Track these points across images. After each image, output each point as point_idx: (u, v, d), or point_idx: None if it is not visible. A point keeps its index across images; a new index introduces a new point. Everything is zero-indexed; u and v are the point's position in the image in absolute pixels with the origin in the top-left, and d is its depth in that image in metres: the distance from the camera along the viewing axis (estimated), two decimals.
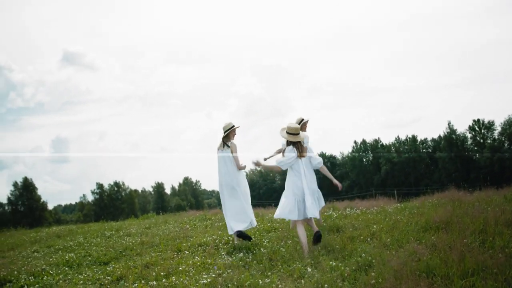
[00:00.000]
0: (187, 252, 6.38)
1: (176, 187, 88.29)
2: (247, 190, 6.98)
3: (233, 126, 6.92)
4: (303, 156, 5.92)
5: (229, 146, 6.84)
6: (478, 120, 72.75)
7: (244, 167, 6.82)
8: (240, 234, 6.51)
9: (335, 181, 6.62)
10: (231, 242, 6.62)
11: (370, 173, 79.13)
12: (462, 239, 4.57)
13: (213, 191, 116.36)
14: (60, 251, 8.42)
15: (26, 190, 60.58)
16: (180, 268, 5.30)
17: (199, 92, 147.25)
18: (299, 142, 5.87)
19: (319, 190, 6.47)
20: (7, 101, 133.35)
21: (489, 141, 71.54)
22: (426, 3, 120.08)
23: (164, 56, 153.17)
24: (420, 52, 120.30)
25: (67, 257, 7.31)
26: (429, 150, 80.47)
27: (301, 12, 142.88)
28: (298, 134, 5.82)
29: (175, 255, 6.30)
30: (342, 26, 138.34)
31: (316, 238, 5.57)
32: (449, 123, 74.80)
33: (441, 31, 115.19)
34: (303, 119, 7.23)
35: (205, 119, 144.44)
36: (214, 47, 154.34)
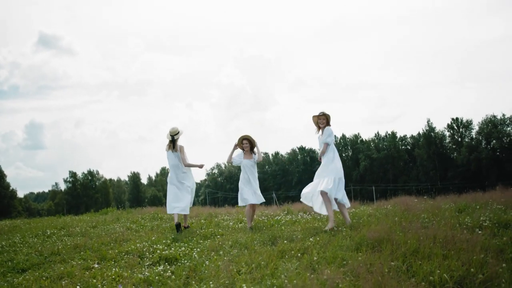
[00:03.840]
0: (109, 263, 5.89)
1: (153, 178, 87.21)
2: (191, 183, 8.58)
3: (178, 132, 8.41)
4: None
5: (177, 150, 8.40)
6: (457, 118, 73.46)
7: (189, 165, 8.46)
8: (177, 226, 7.95)
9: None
10: (158, 251, 6.15)
11: (349, 169, 79.38)
12: (390, 261, 4.18)
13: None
14: None
15: None
16: (88, 283, 4.81)
17: (181, 81, 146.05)
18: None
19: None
20: None
21: (466, 140, 72.24)
22: (413, 2, 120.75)
23: (145, 44, 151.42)
24: (407, 49, 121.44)
25: None
26: (408, 147, 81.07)
27: (289, 3, 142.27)
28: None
29: (95, 265, 5.80)
30: (330, 20, 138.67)
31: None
32: (428, 121, 75.46)
33: (429, 30, 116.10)
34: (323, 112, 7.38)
35: (186, 110, 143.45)
36: (198, 36, 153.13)
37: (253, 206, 8.10)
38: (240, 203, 8.06)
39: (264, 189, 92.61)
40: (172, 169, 8.50)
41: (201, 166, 8.57)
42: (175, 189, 8.44)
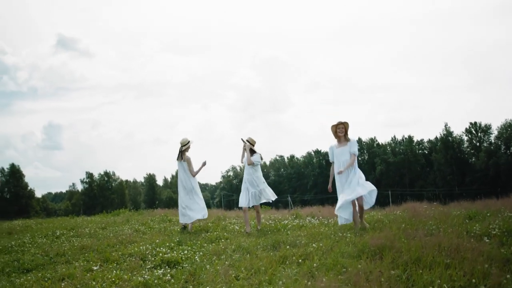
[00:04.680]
0: (112, 265, 5.89)
1: (169, 179, 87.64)
2: (198, 191, 9.10)
3: (189, 142, 8.97)
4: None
5: (184, 160, 8.91)
6: (475, 123, 72.27)
7: (196, 173, 9.00)
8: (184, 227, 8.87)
9: None
10: (161, 254, 6.13)
11: (365, 173, 78.24)
12: (390, 270, 4.07)
13: (206, 184, 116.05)
14: None
15: (13, 177, 59.58)
16: (88, 285, 4.81)
17: (196, 83, 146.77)
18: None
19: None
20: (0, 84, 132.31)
21: (485, 145, 70.99)
22: (433, 2, 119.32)
23: (161, 45, 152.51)
24: (424, 52, 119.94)
25: None
26: (425, 151, 80.00)
27: (304, 5, 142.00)
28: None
29: (97, 267, 5.80)
30: (346, 21, 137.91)
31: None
32: (446, 125, 74.31)
33: (447, 32, 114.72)
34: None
35: (201, 111, 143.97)
36: (214, 38, 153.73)
37: (256, 208, 8.47)
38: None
39: (279, 193, 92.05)
40: (179, 179, 9.10)
41: (204, 164, 9.02)
42: (183, 198, 8.99)
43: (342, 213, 7.21)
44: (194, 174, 8.97)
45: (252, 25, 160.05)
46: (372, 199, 7.17)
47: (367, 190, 6.99)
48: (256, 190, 8.27)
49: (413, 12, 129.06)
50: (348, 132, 7.33)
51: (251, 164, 8.25)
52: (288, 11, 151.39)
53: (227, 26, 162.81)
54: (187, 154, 9.01)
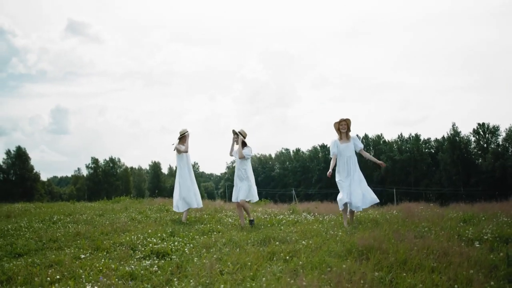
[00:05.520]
0: (101, 253, 5.91)
1: (174, 168, 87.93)
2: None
3: (186, 131, 8.93)
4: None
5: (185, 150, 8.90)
6: (483, 124, 71.64)
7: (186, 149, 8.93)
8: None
9: None
10: (151, 244, 6.13)
11: (370, 169, 78.37)
12: (374, 271, 4.04)
13: (211, 174, 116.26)
14: None
15: (19, 160, 59.89)
16: (75, 273, 4.83)
17: (205, 74, 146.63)
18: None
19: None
20: (9, 66, 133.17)
21: (492, 146, 70.39)
22: (442, 2, 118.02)
23: (171, 34, 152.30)
24: (432, 51, 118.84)
25: None
26: (431, 150, 79.48)
27: (315, 1, 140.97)
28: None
29: (87, 255, 5.82)
30: (356, 19, 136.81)
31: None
32: (453, 125, 73.71)
33: (456, 31, 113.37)
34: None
35: (208, 102, 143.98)
36: (224, 29, 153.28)
37: (244, 204, 8.11)
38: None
39: (284, 186, 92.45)
40: (188, 167, 9.16)
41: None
42: (192, 185, 9.07)
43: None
44: (184, 150, 8.93)
45: (262, 19, 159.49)
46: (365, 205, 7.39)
47: (369, 204, 7.33)
48: (245, 185, 8.03)
49: (420, 12, 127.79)
50: (351, 129, 7.60)
51: (242, 157, 8.02)
52: (299, 7, 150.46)
53: (237, 19, 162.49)
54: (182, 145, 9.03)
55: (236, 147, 8.21)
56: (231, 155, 8.43)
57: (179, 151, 8.91)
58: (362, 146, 7.57)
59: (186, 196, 8.82)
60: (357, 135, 7.76)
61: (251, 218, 8.08)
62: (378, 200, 7.38)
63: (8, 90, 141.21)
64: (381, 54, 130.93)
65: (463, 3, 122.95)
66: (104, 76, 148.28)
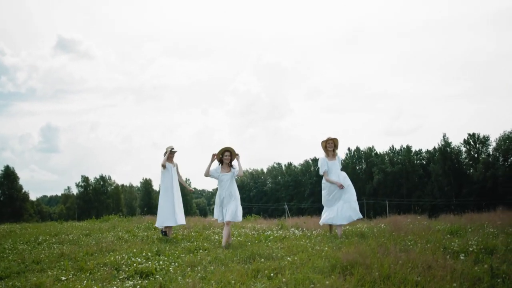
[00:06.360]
0: (85, 274, 5.80)
1: None
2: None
3: (173, 149, 9.01)
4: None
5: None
6: (474, 134, 72.30)
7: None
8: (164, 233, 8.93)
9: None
10: (135, 264, 6.04)
11: (362, 182, 78.55)
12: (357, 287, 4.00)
13: (203, 190, 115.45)
14: None
15: (7, 179, 58.91)
16: None
17: (196, 87, 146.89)
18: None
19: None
20: None
21: (483, 156, 70.94)
22: (436, 11, 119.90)
23: (162, 48, 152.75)
24: (425, 60, 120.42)
25: None
26: (423, 161, 79.90)
27: (307, 11, 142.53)
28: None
29: (69, 277, 5.71)
30: (348, 28, 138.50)
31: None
32: (444, 136, 74.33)
33: (447, 41, 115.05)
34: None
35: (201, 116, 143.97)
36: (215, 42, 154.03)
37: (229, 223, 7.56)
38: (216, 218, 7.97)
39: (276, 200, 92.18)
40: (174, 181, 9.17)
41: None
42: (179, 199, 9.17)
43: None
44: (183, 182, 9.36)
45: (254, 30, 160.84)
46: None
47: (354, 218, 7.70)
48: (233, 205, 7.49)
49: (415, 20, 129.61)
50: (338, 146, 8.01)
51: (241, 175, 7.76)
52: (291, 17, 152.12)
53: (228, 31, 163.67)
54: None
55: (213, 166, 7.68)
56: (209, 175, 7.63)
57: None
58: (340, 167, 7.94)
59: (159, 213, 8.97)
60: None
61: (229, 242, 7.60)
62: (361, 217, 7.75)
63: None
64: (375, 63, 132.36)
65: (456, 13, 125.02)
66: (95, 92, 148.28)
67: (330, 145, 7.85)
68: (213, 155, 7.60)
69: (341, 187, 7.64)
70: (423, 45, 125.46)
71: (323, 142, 7.92)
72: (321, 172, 7.93)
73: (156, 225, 9.11)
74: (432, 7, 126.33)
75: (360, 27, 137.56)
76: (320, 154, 8.13)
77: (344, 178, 7.81)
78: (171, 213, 8.81)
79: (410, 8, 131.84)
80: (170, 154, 9.00)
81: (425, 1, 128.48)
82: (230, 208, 7.49)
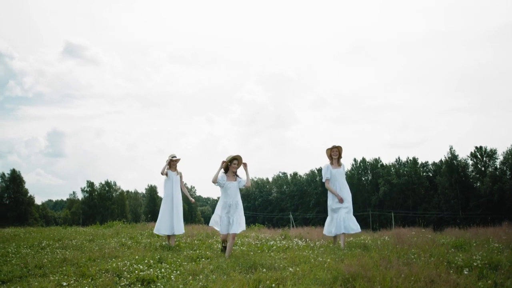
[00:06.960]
0: (86, 280, 5.80)
1: None
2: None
3: (174, 157, 8.92)
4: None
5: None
6: (481, 147, 71.83)
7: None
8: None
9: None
10: (137, 271, 6.03)
11: (368, 193, 78.18)
12: None
13: (208, 198, 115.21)
14: None
15: (13, 183, 59.38)
16: None
17: (202, 95, 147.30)
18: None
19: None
20: (6, 89, 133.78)
21: (490, 170, 70.41)
22: (443, 23, 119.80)
23: (169, 56, 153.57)
24: (432, 72, 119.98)
25: None
26: (429, 174, 79.39)
27: (313, 21, 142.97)
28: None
29: (71, 282, 5.71)
30: (354, 38, 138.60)
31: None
32: (450, 148, 73.89)
33: (456, 53, 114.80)
34: None
35: (206, 124, 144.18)
36: (221, 51, 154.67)
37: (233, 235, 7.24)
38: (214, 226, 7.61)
39: (281, 210, 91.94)
40: (175, 190, 9.18)
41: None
42: (179, 208, 9.19)
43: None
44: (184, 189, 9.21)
45: (260, 40, 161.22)
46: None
47: (355, 231, 7.68)
48: (237, 215, 7.23)
49: (422, 32, 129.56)
50: (342, 155, 8.01)
51: (248, 186, 7.53)
52: (296, 28, 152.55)
53: (234, 41, 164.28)
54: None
55: (220, 174, 7.39)
56: (216, 182, 7.33)
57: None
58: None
59: (158, 220, 8.99)
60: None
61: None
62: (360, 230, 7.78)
63: (4, 112, 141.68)
64: (381, 74, 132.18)
65: (460, 26, 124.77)
66: (101, 98, 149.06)
67: (334, 153, 7.88)
68: (223, 162, 7.35)
69: (341, 201, 7.65)
70: (426, 58, 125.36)
71: (327, 149, 7.97)
72: (323, 179, 7.88)
73: (154, 231, 9.15)
74: (434, 20, 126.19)
75: (364, 40, 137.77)
76: (325, 163, 8.08)
77: (347, 193, 7.81)
78: (168, 221, 8.80)
79: (416, 22, 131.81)
80: (172, 162, 8.97)
81: (427, 13, 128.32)
82: (236, 219, 7.19)
